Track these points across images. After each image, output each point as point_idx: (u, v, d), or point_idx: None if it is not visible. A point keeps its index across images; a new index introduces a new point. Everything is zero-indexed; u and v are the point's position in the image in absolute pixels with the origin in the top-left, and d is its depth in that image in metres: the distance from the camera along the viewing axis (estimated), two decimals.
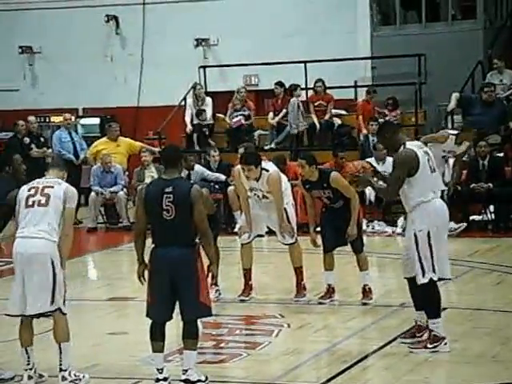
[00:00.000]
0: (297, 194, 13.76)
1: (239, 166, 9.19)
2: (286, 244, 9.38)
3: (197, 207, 6.50)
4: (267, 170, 9.06)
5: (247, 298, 9.45)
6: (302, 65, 16.81)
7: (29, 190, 6.78)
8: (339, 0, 17.87)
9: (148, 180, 14.95)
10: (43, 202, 6.68)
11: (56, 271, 6.65)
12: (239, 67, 17.83)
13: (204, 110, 16.51)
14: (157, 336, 6.60)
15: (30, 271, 6.62)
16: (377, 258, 11.56)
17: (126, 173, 15.81)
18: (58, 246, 6.72)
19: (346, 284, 9.77)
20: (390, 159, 14.21)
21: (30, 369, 6.81)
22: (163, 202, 6.46)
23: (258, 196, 9.24)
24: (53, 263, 6.65)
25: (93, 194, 15.28)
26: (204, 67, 17.79)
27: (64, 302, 6.76)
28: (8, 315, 6.84)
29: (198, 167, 14.12)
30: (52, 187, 6.76)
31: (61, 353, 6.70)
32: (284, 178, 9.48)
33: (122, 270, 12.16)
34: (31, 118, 16.31)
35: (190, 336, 6.58)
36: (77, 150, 16.20)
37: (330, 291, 9.22)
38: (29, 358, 6.79)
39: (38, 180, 6.88)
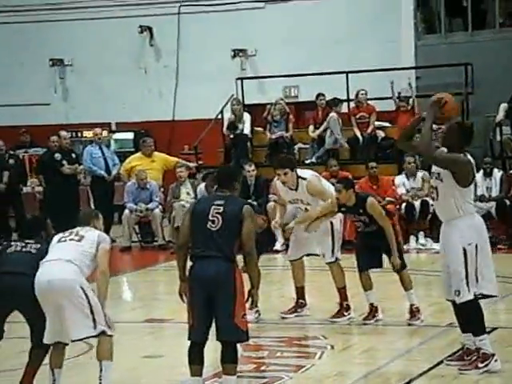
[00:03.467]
0: None
1: (276, 179, 9.08)
2: (325, 263, 9.17)
3: (246, 225, 6.39)
4: (304, 178, 8.91)
5: (290, 316, 9.22)
6: (344, 76, 16.44)
7: (63, 233, 6.83)
8: (382, 8, 17.51)
9: (184, 196, 14.63)
10: (76, 239, 6.71)
11: (88, 294, 6.50)
12: (278, 79, 17.51)
13: (233, 123, 16.04)
14: (195, 359, 6.38)
15: (59, 299, 6.46)
16: (423, 276, 11.30)
17: (161, 189, 15.41)
18: (87, 279, 6.61)
19: (391, 303, 9.44)
20: (420, 174, 13.93)
21: None
22: (210, 211, 6.38)
23: (301, 209, 9.13)
24: (82, 287, 6.50)
25: (127, 211, 14.92)
26: (241, 79, 17.47)
27: (107, 322, 6.60)
28: (46, 344, 6.66)
29: None
30: (86, 232, 6.81)
31: (101, 370, 6.56)
32: (332, 188, 9.14)
33: (157, 290, 11.88)
34: (63, 133, 15.99)
35: (229, 360, 6.36)
36: (108, 166, 15.83)
37: (374, 310, 8.94)
38: (54, 380, 6.65)
39: (71, 229, 6.90)
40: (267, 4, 18.42)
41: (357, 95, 16.01)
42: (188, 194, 14.75)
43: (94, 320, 6.48)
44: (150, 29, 18.91)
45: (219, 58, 18.14)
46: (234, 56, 18.45)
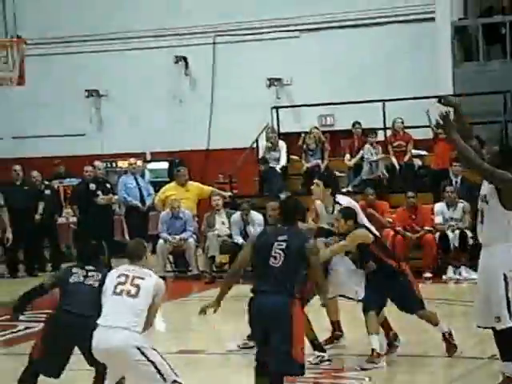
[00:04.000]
0: (387, 237, 13.03)
1: (317, 202, 8.89)
2: (359, 299, 8.77)
3: (312, 261, 6.48)
4: (341, 204, 8.68)
5: (326, 347, 8.94)
6: (380, 104, 16.18)
7: (118, 277, 6.74)
8: (419, 36, 17.37)
9: (218, 226, 14.45)
10: (133, 292, 6.64)
11: (147, 353, 6.52)
12: (314, 107, 17.43)
13: (266, 160, 15.89)
14: (261, 372, 6.45)
15: (120, 364, 6.62)
16: (464, 307, 11.02)
17: (196, 218, 15.26)
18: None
19: (430, 335, 9.08)
20: (460, 205, 13.59)
21: None
22: (273, 248, 6.44)
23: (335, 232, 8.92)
24: (139, 349, 6.53)
25: (161, 241, 14.75)
26: (277, 108, 17.33)
27: (173, 371, 6.62)
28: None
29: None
30: (143, 279, 6.71)
31: None
32: (365, 221, 8.84)
33: (191, 321, 11.54)
34: (98, 164, 15.95)
35: None
36: (143, 196, 15.74)
37: (375, 356, 8.33)
38: None
39: (127, 267, 6.81)
40: (302, 33, 18.35)
41: (393, 124, 15.82)
42: (223, 223, 14.58)
43: (161, 374, 6.53)
44: (185, 59, 18.91)
45: (254, 87, 18.08)
46: (270, 85, 18.41)
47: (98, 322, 6.59)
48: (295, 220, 6.66)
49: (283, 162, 16.18)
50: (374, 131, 15.73)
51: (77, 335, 6.71)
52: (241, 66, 18.26)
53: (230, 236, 14.26)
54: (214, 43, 18.74)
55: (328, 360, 8.59)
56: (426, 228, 13.74)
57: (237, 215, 14.27)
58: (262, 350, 6.46)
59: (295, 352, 6.25)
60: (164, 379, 6.52)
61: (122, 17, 19.05)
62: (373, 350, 8.36)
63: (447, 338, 8.52)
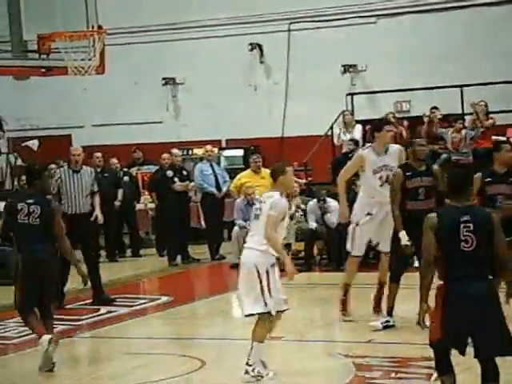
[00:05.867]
0: None
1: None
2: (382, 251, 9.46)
3: (497, 235, 6.02)
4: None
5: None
6: (458, 89, 15.91)
7: (258, 204, 7.72)
8: (498, 19, 17.00)
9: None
10: (257, 213, 7.57)
11: (261, 277, 7.33)
12: (389, 93, 17.26)
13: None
14: (448, 368, 6.26)
15: (241, 276, 7.51)
16: None
17: None
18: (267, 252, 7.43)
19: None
20: None
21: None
22: (460, 231, 5.95)
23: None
24: (258, 271, 7.33)
25: (236, 228, 14.80)
26: (352, 94, 17.23)
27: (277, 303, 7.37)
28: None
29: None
30: (264, 202, 7.56)
31: (251, 349, 7.41)
32: None
33: None
34: (175, 151, 16.04)
35: (495, 379, 6.06)
36: (219, 183, 15.79)
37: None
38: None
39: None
40: (378, 19, 18.17)
41: (475, 107, 15.49)
42: (298, 211, 14.57)
43: (264, 300, 7.30)
44: (260, 46, 18.91)
45: (329, 73, 17.95)
46: (344, 72, 18.27)
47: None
48: (468, 192, 6.11)
49: (358, 137, 15.92)
50: (459, 120, 15.43)
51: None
52: (315, 52, 18.11)
53: (306, 223, 14.25)
54: (288, 30, 18.63)
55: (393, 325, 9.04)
56: None
57: (313, 203, 14.22)
58: (456, 338, 6.07)
59: (509, 333, 6.00)
60: (265, 303, 7.32)
61: (199, 5, 19.09)
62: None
63: None
